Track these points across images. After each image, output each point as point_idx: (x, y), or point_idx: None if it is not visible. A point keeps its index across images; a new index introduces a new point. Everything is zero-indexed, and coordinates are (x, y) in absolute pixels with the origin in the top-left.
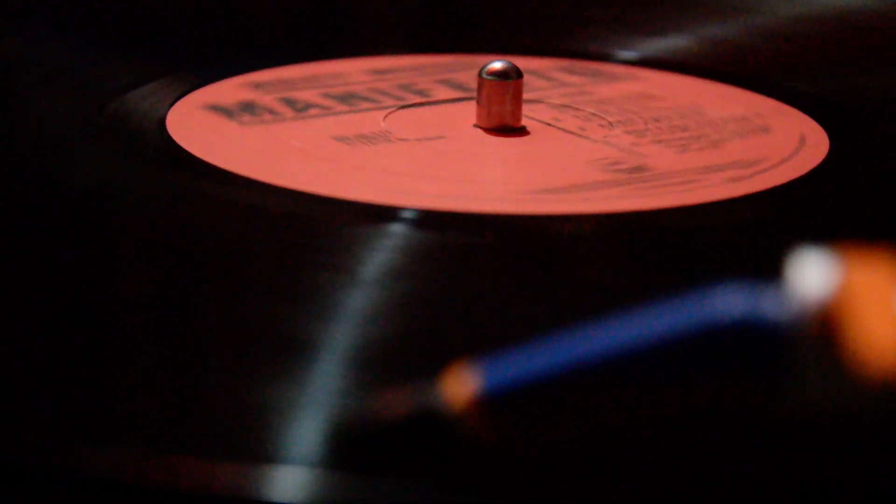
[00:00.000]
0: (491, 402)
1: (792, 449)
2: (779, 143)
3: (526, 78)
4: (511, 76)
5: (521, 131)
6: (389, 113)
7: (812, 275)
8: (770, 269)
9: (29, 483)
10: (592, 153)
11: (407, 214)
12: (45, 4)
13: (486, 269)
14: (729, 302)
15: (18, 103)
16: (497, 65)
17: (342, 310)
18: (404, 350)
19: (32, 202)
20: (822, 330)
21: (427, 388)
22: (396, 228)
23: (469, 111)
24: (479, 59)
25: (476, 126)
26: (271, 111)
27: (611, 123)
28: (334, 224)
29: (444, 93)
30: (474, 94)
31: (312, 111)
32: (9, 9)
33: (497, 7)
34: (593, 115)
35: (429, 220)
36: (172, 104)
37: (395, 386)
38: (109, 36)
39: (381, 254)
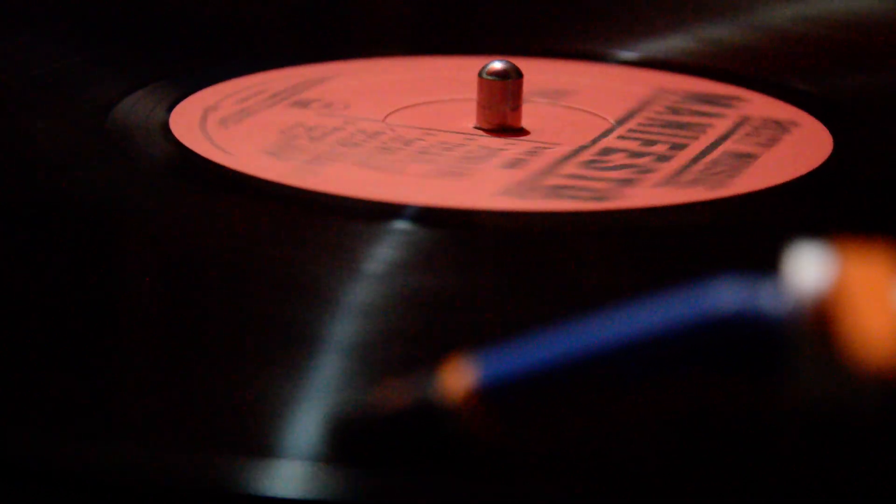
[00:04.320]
0: (489, 396)
1: (789, 445)
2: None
3: None
4: (511, 76)
5: (521, 131)
6: (390, 113)
7: (809, 270)
8: (768, 266)
9: (27, 481)
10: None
11: (408, 212)
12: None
13: (485, 264)
14: (726, 297)
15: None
16: (497, 65)
17: (342, 305)
18: (403, 345)
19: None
20: (819, 325)
21: (424, 381)
22: (398, 226)
23: (469, 111)
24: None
25: (476, 126)
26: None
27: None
28: (337, 222)
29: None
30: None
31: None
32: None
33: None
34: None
35: (429, 218)
36: (173, 105)
37: (393, 379)
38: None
39: (382, 250)
